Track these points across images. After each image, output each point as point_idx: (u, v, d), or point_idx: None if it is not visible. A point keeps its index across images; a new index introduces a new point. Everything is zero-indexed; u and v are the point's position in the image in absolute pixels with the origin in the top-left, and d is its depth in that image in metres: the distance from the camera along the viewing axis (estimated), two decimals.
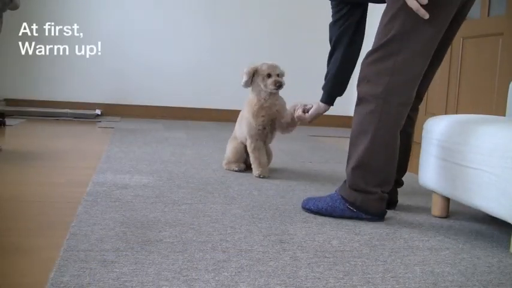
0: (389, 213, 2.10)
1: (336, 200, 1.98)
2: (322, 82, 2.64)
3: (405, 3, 1.80)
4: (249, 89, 2.80)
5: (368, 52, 1.97)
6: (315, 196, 2.11)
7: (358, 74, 2.02)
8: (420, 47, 1.87)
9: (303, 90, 6.01)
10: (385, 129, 1.90)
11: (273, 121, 2.75)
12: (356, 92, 1.98)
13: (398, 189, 2.21)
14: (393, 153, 1.94)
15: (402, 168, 2.17)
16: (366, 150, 1.91)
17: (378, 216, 1.96)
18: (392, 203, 2.15)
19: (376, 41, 1.93)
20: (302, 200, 2.16)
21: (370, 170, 1.92)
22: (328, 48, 2.55)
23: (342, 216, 1.97)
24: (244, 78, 2.74)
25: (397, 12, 1.85)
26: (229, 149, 2.89)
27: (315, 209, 2.01)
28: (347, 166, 2.00)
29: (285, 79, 2.77)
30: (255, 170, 2.71)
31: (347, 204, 1.96)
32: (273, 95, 2.73)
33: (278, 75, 2.69)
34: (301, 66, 6.02)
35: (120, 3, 6.07)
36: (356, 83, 1.99)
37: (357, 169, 1.94)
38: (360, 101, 1.96)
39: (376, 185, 1.94)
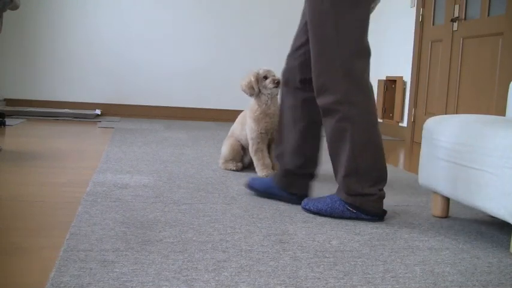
0: (389, 213, 2.10)
1: (336, 201, 1.98)
2: None
3: (332, 2, 1.85)
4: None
5: (313, 62, 1.97)
6: (314, 197, 2.11)
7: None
8: (358, 34, 1.90)
9: None
10: (360, 130, 1.91)
11: (273, 131, 2.72)
12: None
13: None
14: (378, 148, 1.94)
15: (313, 160, 2.15)
16: (350, 157, 1.91)
17: (377, 216, 1.96)
18: (302, 196, 2.14)
19: (316, 48, 1.94)
20: (302, 200, 2.15)
21: (362, 174, 1.92)
22: None
23: (341, 217, 1.97)
24: (255, 90, 2.68)
25: (325, 15, 1.89)
26: (226, 147, 2.89)
27: (314, 209, 2.01)
28: (336, 176, 1.99)
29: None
30: (260, 172, 2.69)
31: (347, 206, 1.96)
32: (275, 100, 2.71)
33: (274, 76, 2.69)
34: None
35: (121, 4, 6.06)
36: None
37: (348, 177, 1.94)
38: (326, 112, 1.96)
39: (372, 185, 1.94)
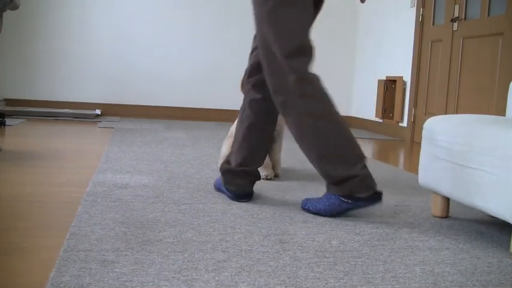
0: (389, 213, 2.11)
1: (331, 197, 1.98)
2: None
3: (274, 2, 1.93)
4: None
5: (262, 63, 2.04)
6: (313, 197, 2.11)
7: None
8: (299, 33, 1.97)
9: None
10: (321, 119, 1.94)
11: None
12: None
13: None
14: (343, 130, 1.96)
15: (253, 160, 2.18)
16: (321, 148, 1.94)
17: (374, 199, 1.95)
18: (242, 195, 2.16)
19: (262, 48, 2.01)
20: (302, 200, 2.15)
21: (338, 159, 1.94)
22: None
23: (340, 212, 1.97)
24: None
25: (267, 15, 1.95)
26: (226, 147, 2.88)
27: (313, 210, 2.01)
28: (318, 170, 2.00)
29: None
30: (260, 172, 2.69)
31: (340, 198, 1.96)
32: None
33: None
34: None
35: (122, 4, 6.07)
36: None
37: (327, 166, 1.95)
38: (284, 110, 2.01)
39: (352, 166, 1.93)
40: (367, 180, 1.94)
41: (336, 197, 1.97)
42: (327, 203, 1.99)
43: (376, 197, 1.96)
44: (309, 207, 2.03)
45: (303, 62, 1.97)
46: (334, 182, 1.96)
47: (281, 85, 1.98)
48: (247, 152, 2.16)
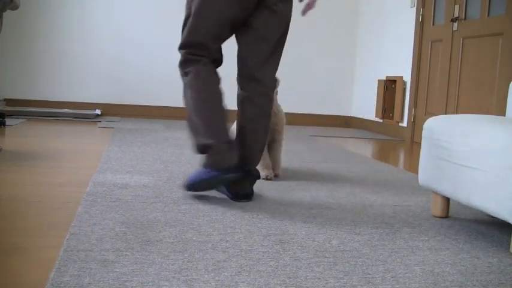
0: (389, 213, 2.11)
1: (202, 167, 2.11)
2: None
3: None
4: None
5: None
6: (192, 177, 2.16)
7: None
8: (203, 29, 2.14)
9: (300, 90, 6.00)
10: (194, 91, 2.13)
11: (273, 130, 2.71)
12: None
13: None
14: (215, 109, 2.11)
15: (249, 158, 2.23)
16: (195, 117, 2.12)
17: (230, 172, 2.07)
18: (247, 195, 2.18)
19: (182, 29, 2.24)
20: (302, 200, 2.15)
21: (202, 128, 2.08)
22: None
23: (208, 180, 2.09)
24: None
25: (196, 8, 2.14)
26: None
27: (189, 181, 2.13)
28: (191, 140, 2.17)
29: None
30: (261, 172, 2.68)
31: (206, 168, 2.08)
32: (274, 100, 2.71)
33: None
34: (294, 69, 6.02)
35: (122, 3, 6.07)
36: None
37: (193, 133, 2.13)
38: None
39: (213, 137, 2.06)
40: (223, 153, 2.06)
41: (204, 168, 2.10)
42: (196, 173, 2.11)
43: (236, 172, 2.08)
44: (187, 182, 2.15)
45: (191, 53, 2.17)
46: (200, 151, 2.10)
47: (179, 63, 2.23)
48: (244, 151, 2.19)
